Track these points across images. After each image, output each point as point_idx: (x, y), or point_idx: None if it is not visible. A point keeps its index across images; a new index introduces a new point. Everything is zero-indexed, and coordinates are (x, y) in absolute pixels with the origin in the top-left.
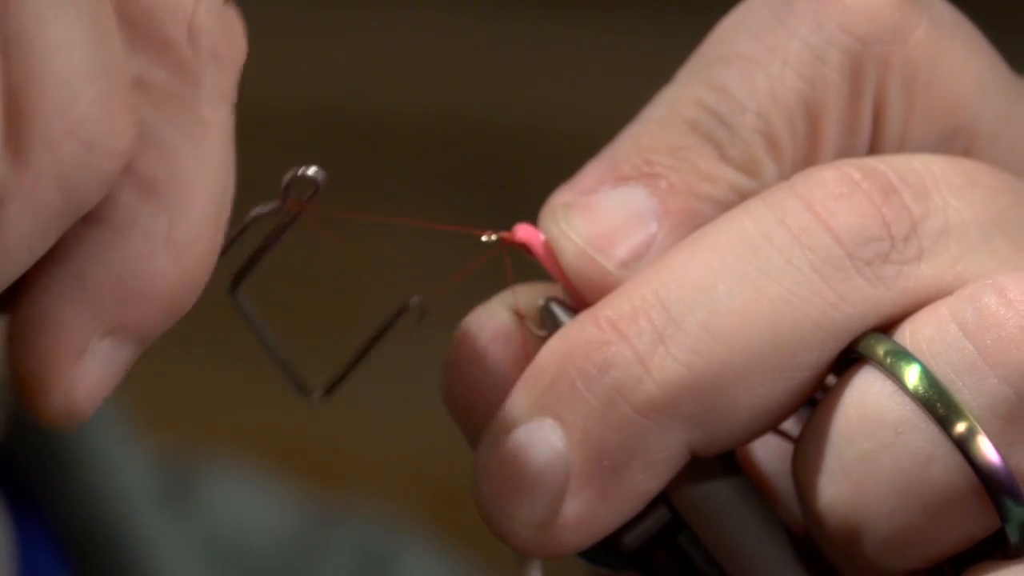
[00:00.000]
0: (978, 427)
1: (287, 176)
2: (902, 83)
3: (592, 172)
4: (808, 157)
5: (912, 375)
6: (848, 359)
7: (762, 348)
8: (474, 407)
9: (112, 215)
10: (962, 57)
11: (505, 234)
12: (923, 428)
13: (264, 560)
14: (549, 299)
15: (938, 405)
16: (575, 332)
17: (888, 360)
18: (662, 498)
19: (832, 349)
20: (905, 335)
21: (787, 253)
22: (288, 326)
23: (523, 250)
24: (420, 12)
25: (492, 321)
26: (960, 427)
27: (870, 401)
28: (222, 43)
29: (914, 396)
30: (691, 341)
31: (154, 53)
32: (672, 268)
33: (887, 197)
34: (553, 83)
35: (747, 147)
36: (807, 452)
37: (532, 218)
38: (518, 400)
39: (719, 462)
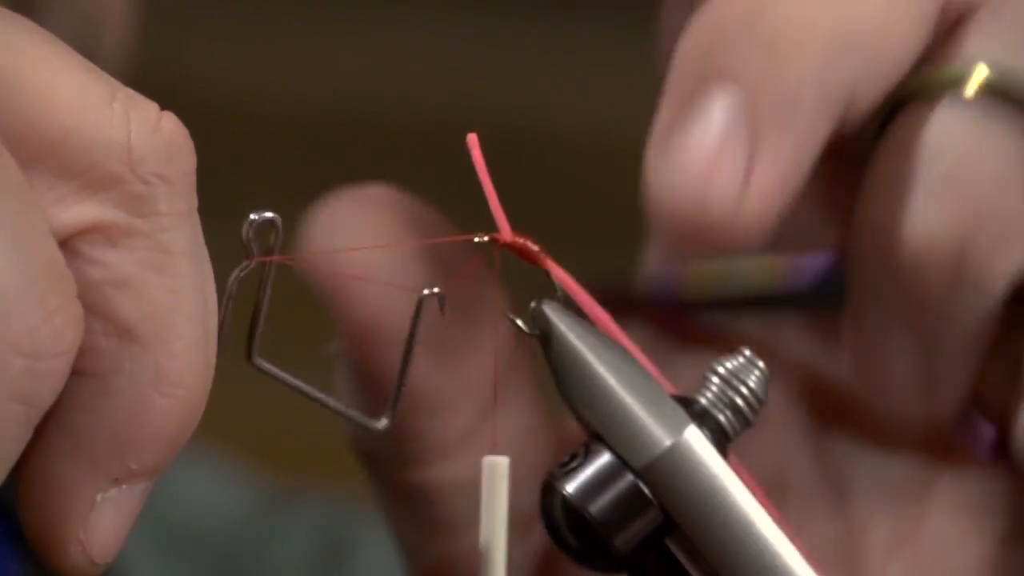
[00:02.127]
0: None
1: (245, 228)
2: None
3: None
4: None
5: (979, 74)
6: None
7: None
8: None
9: (96, 365)
10: None
11: (497, 235)
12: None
13: (218, 540)
14: (541, 300)
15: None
16: (714, 6)
17: (947, 77)
18: (654, 500)
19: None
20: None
21: None
22: (288, 329)
23: (514, 249)
24: (420, 13)
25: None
26: None
27: (941, 123)
28: (166, 162)
29: (990, 91)
30: None
31: (104, 194)
32: None
33: None
34: (553, 83)
35: None
36: (882, 197)
37: (531, 217)
38: (677, 88)
39: (712, 464)
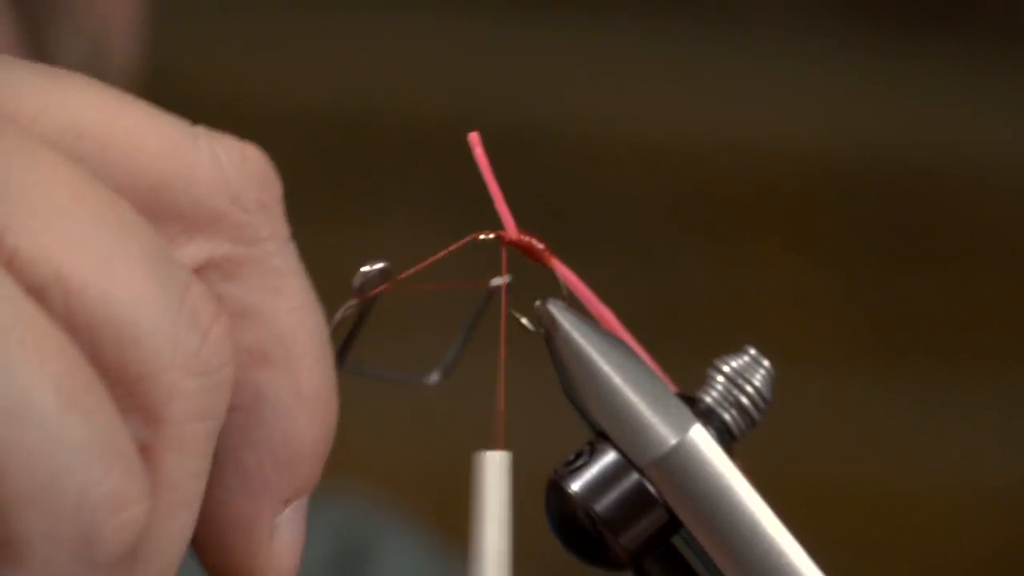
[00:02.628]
0: None
1: (357, 277)
2: None
3: None
4: None
5: None
6: None
7: None
8: None
9: (241, 397)
10: None
11: (503, 232)
12: None
13: None
14: (546, 299)
15: None
16: None
17: None
18: (659, 498)
19: None
20: None
21: None
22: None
23: (520, 247)
24: (421, 13)
25: None
26: None
27: None
28: (261, 188)
29: None
30: None
31: (211, 230)
32: None
33: None
34: (553, 83)
35: None
36: None
37: (533, 216)
38: None
39: (717, 463)
